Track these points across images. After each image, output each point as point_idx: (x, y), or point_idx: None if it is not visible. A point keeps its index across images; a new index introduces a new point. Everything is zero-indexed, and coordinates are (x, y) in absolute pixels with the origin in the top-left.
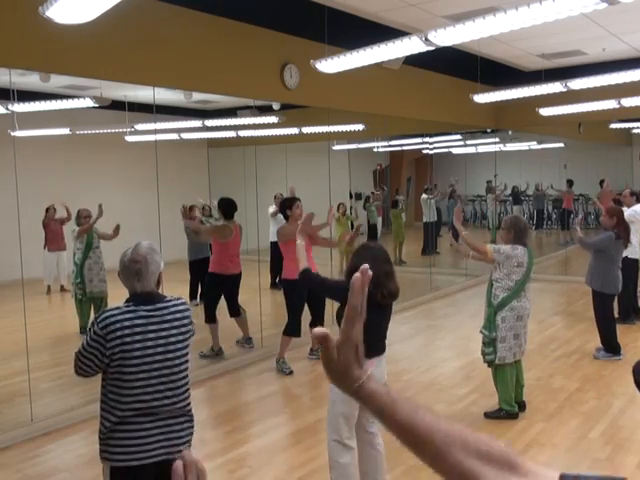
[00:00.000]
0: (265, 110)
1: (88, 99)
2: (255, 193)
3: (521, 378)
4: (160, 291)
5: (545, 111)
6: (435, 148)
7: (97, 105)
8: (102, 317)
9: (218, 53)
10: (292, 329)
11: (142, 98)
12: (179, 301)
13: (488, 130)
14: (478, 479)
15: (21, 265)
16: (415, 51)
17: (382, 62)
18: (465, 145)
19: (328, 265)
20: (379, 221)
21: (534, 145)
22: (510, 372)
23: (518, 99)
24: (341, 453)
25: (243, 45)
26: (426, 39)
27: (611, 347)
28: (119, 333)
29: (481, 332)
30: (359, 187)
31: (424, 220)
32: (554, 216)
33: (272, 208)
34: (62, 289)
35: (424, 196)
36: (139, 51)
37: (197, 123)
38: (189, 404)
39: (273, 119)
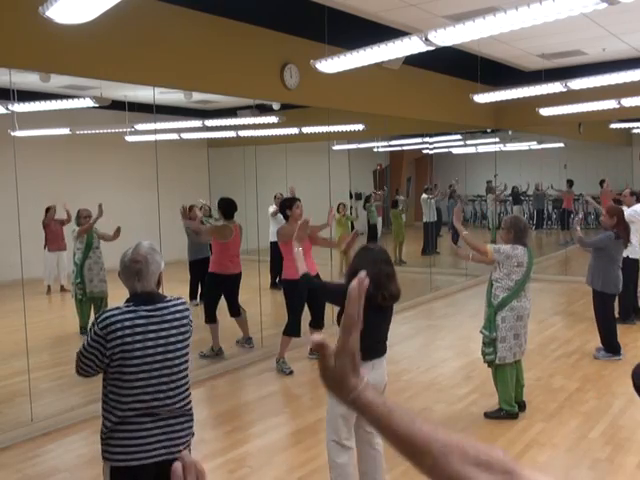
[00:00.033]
0: (265, 110)
1: (88, 99)
2: (255, 193)
3: (521, 378)
4: (160, 291)
5: (545, 111)
6: (435, 148)
7: (97, 105)
8: (102, 317)
9: (218, 53)
10: (292, 329)
11: (142, 98)
12: (179, 301)
13: (488, 130)
14: None
15: (21, 265)
16: (415, 51)
17: (382, 62)
18: (465, 145)
19: (328, 265)
20: (379, 221)
21: (534, 145)
22: (510, 372)
23: (518, 99)
24: (339, 453)
25: (243, 45)
26: (426, 39)
27: (611, 347)
28: (119, 333)
29: (481, 332)
30: (359, 187)
31: (424, 220)
32: (554, 216)
33: (272, 208)
34: (62, 289)
35: (424, 196)
36: (139, 51)
37: (197, 123)
38: (189, 404)
39: (273, 119)
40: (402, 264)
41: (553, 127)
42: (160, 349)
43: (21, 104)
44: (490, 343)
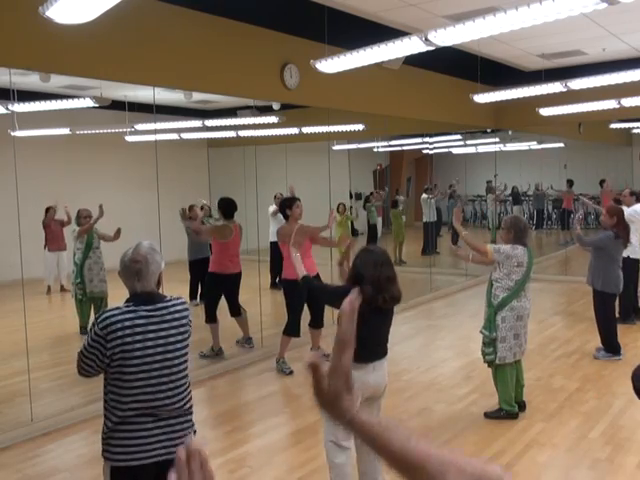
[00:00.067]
0: (265, 110)
1: (88, 99)
2: (255, 193)
3: (521, 378)
4: (160, 291)
5: (545, 111)
6: (435, 148)
7: (97, 105)
8: (102, 317)
9: (218, 53)
10: (292, 329)
11: (142, 98)
12: (179, 301)
13: (488, 130)
14: None
15: (21, 265)
16: (415, 51)
17: (382, 62)
18: (465, 145)
19: (328, 265)
20: (379, 221)
21: (534, 145)
22: (510, 372)
23: (518, 99)
24: (337, 453)
25: (243, 45)
26: (426, 39)
27: (611, 347)
28: (120, 333)
29: (481, 332)
30: (359, 187)
31: (424, 220)
32: (554, 216)
33: (272, 208)
34: (62, 289)
35: (424, 196)
36: (139, 51)
37: (197, 123)
38: (189, 404)
39: (273, 119)
40: (402, 264)
41: (553, 127)
42: (160, 349)
43: (21, 104)
44: (490, 343)
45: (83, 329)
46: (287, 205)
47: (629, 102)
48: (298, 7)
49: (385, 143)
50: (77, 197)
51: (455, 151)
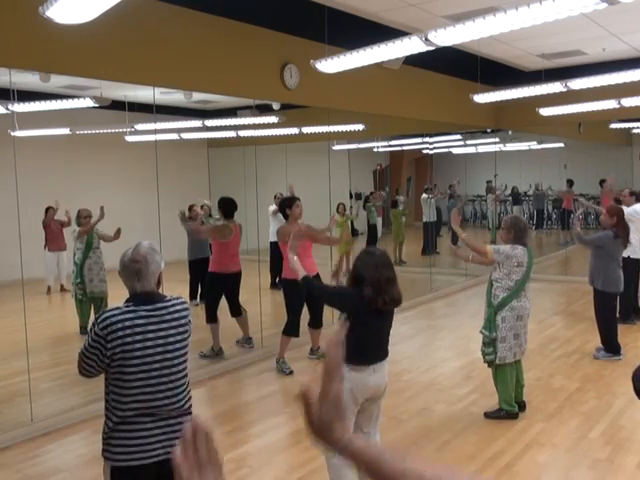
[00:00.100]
0: (265, 110)
1: (88, 99)
2: (255, 193)
3: (521, 378)
4: (160, 291)
5: (545, 111)
6: (435, 148)
7: (97, 105)
8: (102, 317)
9: (218, 53)
10: (291, 329)
11: (142, 98)
12: (178, 301)
13: (488, 130)
14: None
15: (21, 265)
16: (415, 51)
17: (382, 62)
18: (465, 145)
19: (328, 265)
20: (379, 221)
21: (534, 145)
22: (510, 372)
23: (518, 99)
24: (335, 453)
25: (243, 45)
26: (426, 39)
27: (611, 347)
28: (120, 333)
29: (481, 332)
30: (359, 187)
31: (424, 220)
32: (554, 216)
33: (272, 207)
34: (62, 289)
35: (424, 196)
36: (139, 51)
37: (197, 123)
38: (189, 404)
39: (273, 119)
40: (402, 264)
41: (553, 127)
42: (159, 349)
43: (21, 104)
44: (490, 343)
45: (83, 329)
46: (287, 205)
47: (629, 102)
48: (298, 7)
49: (385, 143)
50: (77, 197)
51: (455, 151)
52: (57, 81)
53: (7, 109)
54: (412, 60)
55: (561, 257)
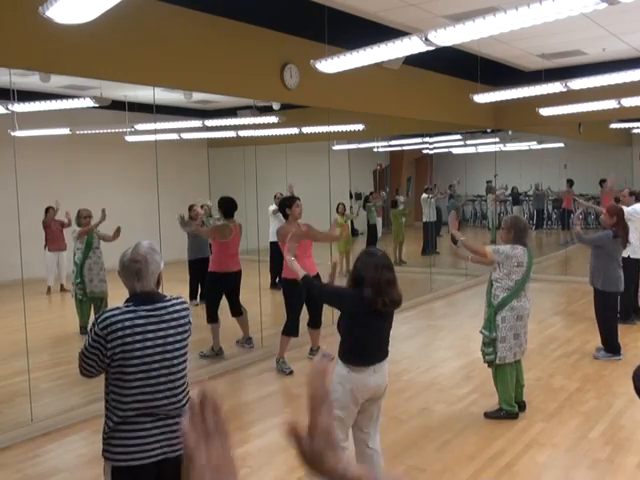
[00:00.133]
0: (265, 110)
1: (88, 99)
2: (255, 193)
3: (521, 378)
4: (160, 291)
5: (545, 111)
6: (435, 148)
7: (97, 105)
8: (102, 317)
9: (218, 53)
10: (290, 329)
11: (142, 98)
12: (178, 301)
13: (488, 130)
14: None
15: (21, 265)
16: (415, 51)
17: (382, 62)
18: (465, 145)
19: (328, 265)
20: (379, 221)
21: (534, 145)
22: (510, 372)
23: (518, 99)
24: None
25: (243, 45)
26: (426, 39)
27: (611, 347)
28: (120, 333)
29: (481, 332)
30: (359, 187)
31: (424, 220)
32: (554, 216)
33: (272, 207)
34: (62, 289)
35: (424, 195)
36: (139, 51)
37: (197, 123)
38: (188, 403)
39: (273, 119)
40: (402, 264)
41: (553, 127)
42: (158, 349)
43: (21, 104)
44: (490, 343)
45: (83, 329)
46: (287, 204)
47: (629, 102)
48: (298, 7)
49: (385, 143)
50: (77, 197)
51: (455, 151)
52: (57, 81)
53: (7, 109)
54: (412, 60)
55: (561, 257)
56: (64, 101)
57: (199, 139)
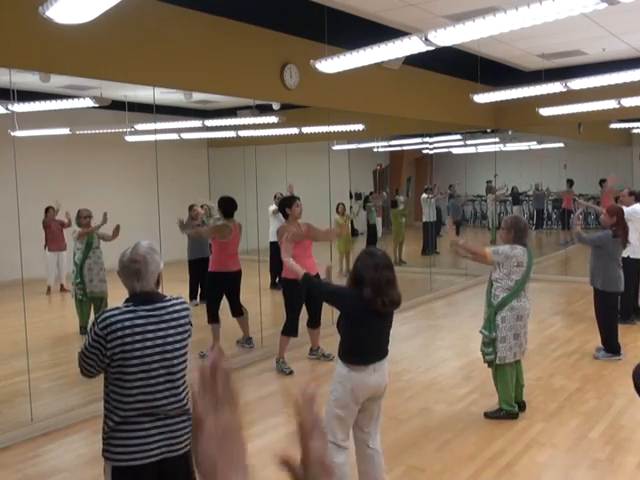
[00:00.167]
0: (265, 110)
1: (88, 99)
2: (255, 193)
3: (521, 378)
4: (160, 291)
5: (545, 111)
6: (435, 148)
7: (97, 105)
8: (102, 317)
9: (218, 53)
10: (290, 329)
11: (142, 98)
12: (178, 300)
13: (488, 130)
14: None
15: (21, 265)
16: (415, 51)
17: (382, 62)
18: (465, 145)
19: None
20: (379, 221)
21: (534, 145)
22: (510, 372)
23: (518, 99)
24: (336, 454)
25: (243, 45)
26: (426, 39)
27: (611, 347)
28: (120, 333)
29: (481, 332)
30: (359, 187)
31: (424, 220)
32: (554, 216)
33: (272, 207)
34: (62, 289)
35: (424, 195)
36: (139, 51)
37: (197, 123)
38: (188, 404)
39: (273, 119)
40: (402, 264)
41: (553, 127)
42: (158, 349)
43: (21, 104)
44: (490, 343)
45: (83, 329)
46: (287, 204)
47: (629, 102)
48: (298, 7)
49: (385, 143)
50: (77, 197)
51: (455, 151)
52: (57, 81)
53: (7, 109)
54: (412, 60)
55: (561, 257)
56: (64, 101)
57: (199, 139)
